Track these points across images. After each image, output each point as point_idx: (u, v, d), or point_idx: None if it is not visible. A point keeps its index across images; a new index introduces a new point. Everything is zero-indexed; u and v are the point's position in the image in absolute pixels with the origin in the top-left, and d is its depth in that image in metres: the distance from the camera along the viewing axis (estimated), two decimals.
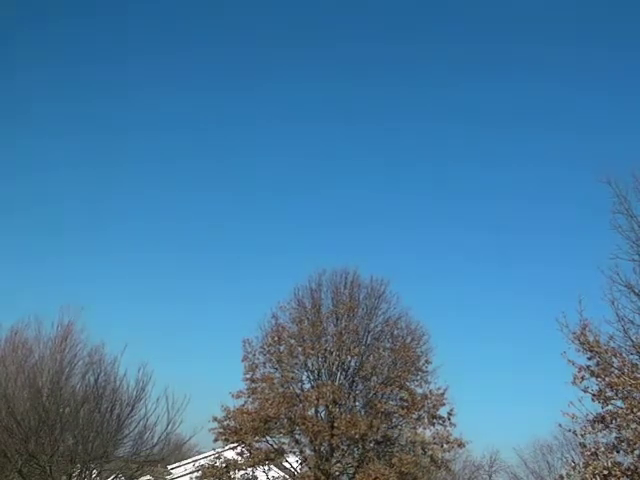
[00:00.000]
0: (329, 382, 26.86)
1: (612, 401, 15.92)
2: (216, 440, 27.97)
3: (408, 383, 27.45)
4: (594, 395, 16.05)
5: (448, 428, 27.41)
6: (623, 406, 15.65)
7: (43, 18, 77.31)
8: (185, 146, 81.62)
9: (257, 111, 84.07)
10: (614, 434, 15.82)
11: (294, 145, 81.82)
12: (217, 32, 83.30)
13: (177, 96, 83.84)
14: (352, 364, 27.67)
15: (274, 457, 27.19)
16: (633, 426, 15.33)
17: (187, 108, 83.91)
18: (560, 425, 18.09)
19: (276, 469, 28.40)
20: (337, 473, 27.27)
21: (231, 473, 26.85)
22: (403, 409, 27.08)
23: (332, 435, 26.02)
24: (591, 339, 16.38)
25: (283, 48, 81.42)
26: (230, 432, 26.70)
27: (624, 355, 16.20)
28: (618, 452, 15.63)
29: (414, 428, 28.08)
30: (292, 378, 27.55)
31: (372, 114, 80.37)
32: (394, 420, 27.84)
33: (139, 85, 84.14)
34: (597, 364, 16.25)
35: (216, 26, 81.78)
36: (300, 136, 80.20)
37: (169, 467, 38.32)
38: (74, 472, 24.27)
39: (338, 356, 27.35)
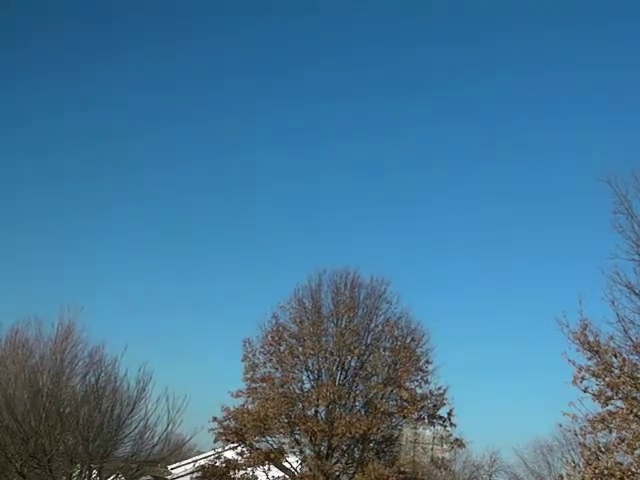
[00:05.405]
0: (329, 382, 26.83)
1: (612, 401, 15.93)
2: (216, 440, 28.03)
3: (408, 383, 27.44)
4: (594, 395, 16.06)
5: (448, 428, 27.50)
6: (623, 406, 15.66)
7: None
8: (186, 141, 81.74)
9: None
10: (614, 434, 15.84)
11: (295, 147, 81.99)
12: None
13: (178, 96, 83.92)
14: (352, 364, 27.67)
15: (274, 457, 27.17)
16: (633, 426, 15.34)
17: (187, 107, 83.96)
18: (560, 425, 18.19)
19: (276, 469, 28.37)
20: (337, 473, 27.22)
21: (231, 473, 26.86)
22: (403, 409, 27.08)
23: (332, 435, 26.01)
24: (591, 339, 16.40)
25: None
26: (230, 432, 26.70)
27: (624, 355, 16.20)
28: (618, 452, 15.63)
29: (414, 428, 28.15)
30: (292, 378, 27.53)
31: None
32: (394, 420, 27.85)
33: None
34: (597, 364, 16.26)
35: None
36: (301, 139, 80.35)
37: (169, 467, 38.36)
38: (74, 472, 24.26)
39: (338, 356, 27.33)
